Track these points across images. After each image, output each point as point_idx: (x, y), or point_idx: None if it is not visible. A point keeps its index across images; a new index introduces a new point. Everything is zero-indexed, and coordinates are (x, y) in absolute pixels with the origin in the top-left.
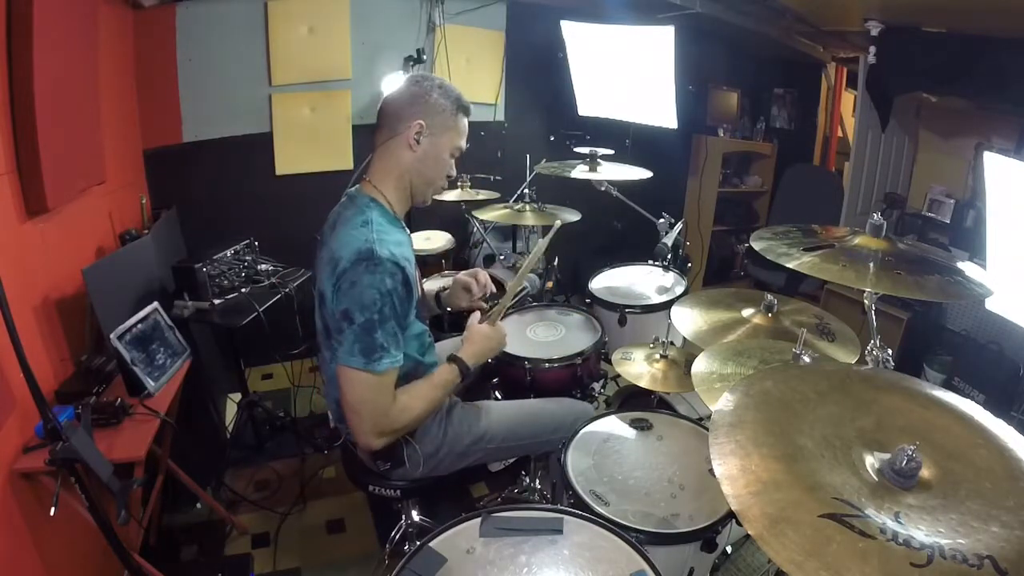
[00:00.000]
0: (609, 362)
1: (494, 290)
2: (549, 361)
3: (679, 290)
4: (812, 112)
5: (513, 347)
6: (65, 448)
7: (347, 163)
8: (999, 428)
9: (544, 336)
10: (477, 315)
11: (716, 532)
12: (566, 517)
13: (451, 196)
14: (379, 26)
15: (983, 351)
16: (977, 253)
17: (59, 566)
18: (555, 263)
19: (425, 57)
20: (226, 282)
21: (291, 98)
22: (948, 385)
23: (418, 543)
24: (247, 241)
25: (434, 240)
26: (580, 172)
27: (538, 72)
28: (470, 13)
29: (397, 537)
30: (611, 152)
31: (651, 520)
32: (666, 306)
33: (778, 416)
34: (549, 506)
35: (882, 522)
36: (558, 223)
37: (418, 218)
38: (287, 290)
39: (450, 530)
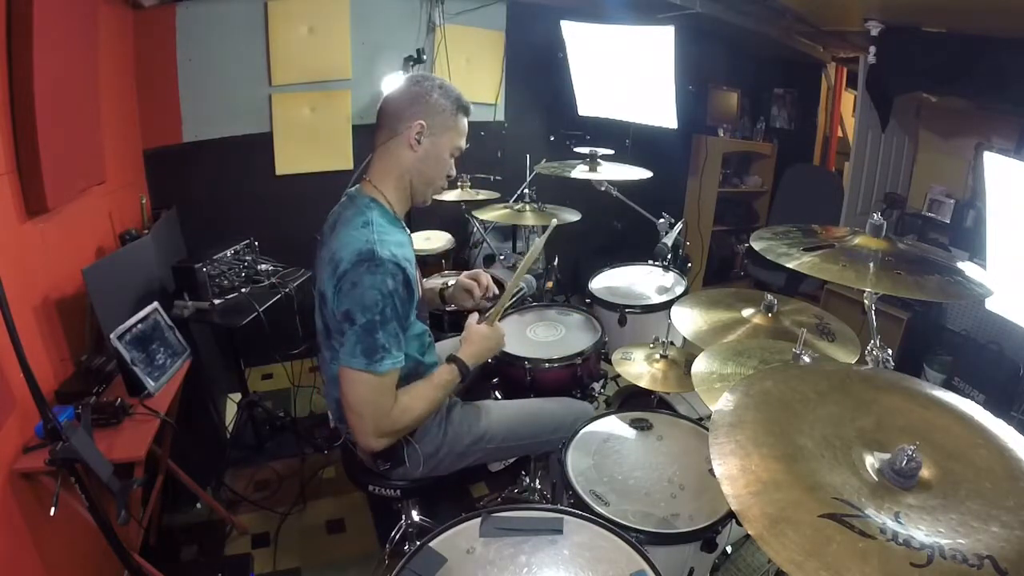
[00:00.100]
0: (609, 362)
1: (496, 292)
2: (549, 361)
3: (679, 290)
4: (812, 112)
5: (513, 347)
6: (65, 448)
7: (347, 163)
8: (999, 428)
9: (544, 336)
10: (475, 315)
11: (716, 532)
12: (566, 517)
13: (451, 196)
14: (379, 26)
15: (983, 351)
16: (977, 253)
17: (59, 566)
18: (555, 263)
19: (425, 57)
20: (226, 282)
21: (291, 98)
22: (948, 385)
23: (418, 543)
24: (247, 241)
25: (434, 240)
26: (580, 172)
27: (538, 72)
28: (470, 13)
29: (397, 537)
30: (611, 152)
31: (651, 520)
32: (666, 306)
33: (778, 416)
34: (549, 506)
35: (882, 522)
36: (554, 222)
37: (418, 218)
38: (287, 290)
39: (450, 530)
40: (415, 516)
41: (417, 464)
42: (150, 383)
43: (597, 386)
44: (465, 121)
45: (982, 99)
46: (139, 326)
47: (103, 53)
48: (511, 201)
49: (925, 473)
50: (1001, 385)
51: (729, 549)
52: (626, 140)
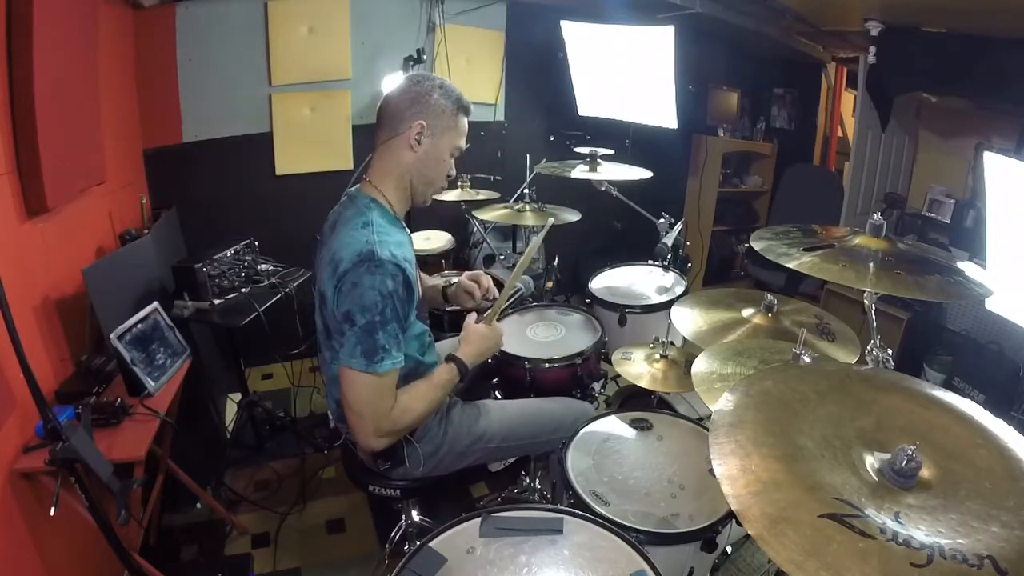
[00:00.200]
0: (609, 362)
1: (497, 295)
2: (549, 361)
3: (679, 290)
4: (812, 112)
5: (513, 347)
6: (65, 448)
7: (347, 163)
8: (999, 428)
9: (544, 336)
10: (473, 315)
11: (716, 532)
12: (566, 517)
13: (451, 196)
14: (379, 26)
15: (983, 351)
16: (977, 253)
17: (59, 566)
18: (555, 263)
19: (425, 57)
20: (226, 282)
21: (291, 98)
22: (948, 385)
23: (418, 543)
24: (247, 241)
25: (434, 240)
26: (580, 172)
27: (538, 72)
28: (470, 13)
29: (397, 537)
30: (611, 152)
31: (651, 520)
32: (666, 306)
33: (778, 416)
34: (549, 506)
35: (882, 522)
36: (550, 220)
37: (418, 218)
38: (287, 290)
39: (450, 530)
40: (415, 516)
41: (417, 464)
42: (150, 383)
43: (597, 386)
44: (465, 121)
45: (982, 99)
46: (139, 326)
47: (103, 53)
48: (511, 201)
49: (925, 473)
50: (1001, 385)
51: (729, 549)
52: (626, 140)
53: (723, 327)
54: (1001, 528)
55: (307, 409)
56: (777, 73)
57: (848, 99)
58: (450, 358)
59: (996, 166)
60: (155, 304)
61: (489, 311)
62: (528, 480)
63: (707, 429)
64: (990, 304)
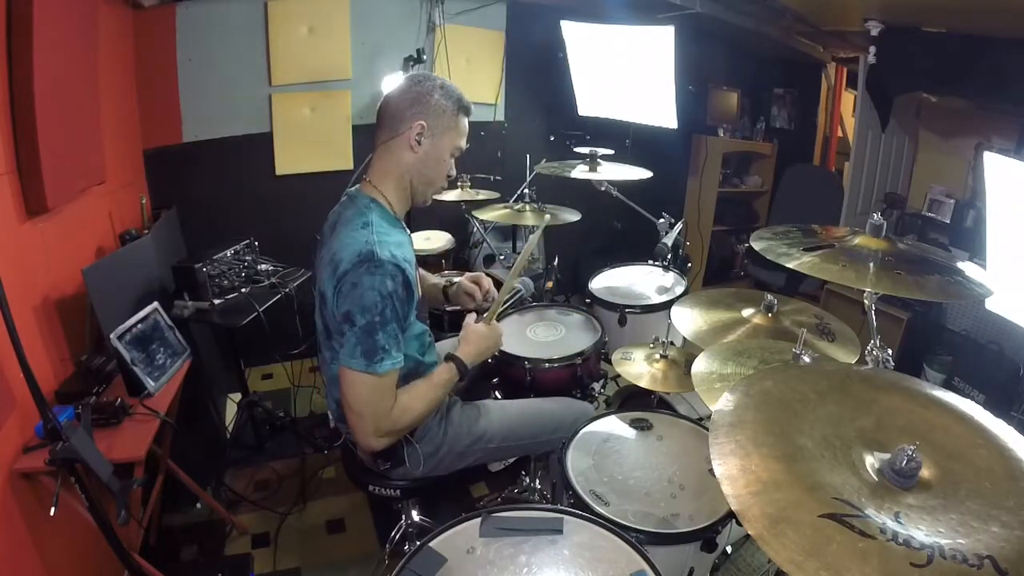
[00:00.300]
0: (609, 362)
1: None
2: (549, 361)
3: (679, 290)
4: (812, 112)
5: (513, 347)
6: (65, 448)
7: (347, 163)
8: (999, 428)
9: (544, 336)
10: (473, 315)
11: (716, 532)
12: (566, 517)
13: (451, 196)
14: (379, 26)
15: (983, 351)
16: (977, 253)
17: (59, 566)
18: (555, 263)
19: (425, 57)
20: (226, 282)
21: (291, 98)
22: (948, 385)
23: (418, 543)
24: (247, 241)
25: (434, 240)
26: (580, 172)
27: (538, 72)
28: (470, 13)
29: (397, 537)
30: (611, 152)
31: (651, 520)
32: (666, 306)
33: (778, 416)
34: (549, 506)
35: (882, 522)
36: (546, 218)
37: (418, 218)
38: (287, 290)
39: (450, 530)
40: (415, 516)
41: (417, 464)
42: (150, 383)
43: (597, 386)
44: (466, 121)
45: (982, 99)
46: (139, 326)
47: (103, 53)
48: (511, 201)
49: (925, 473)
50: (1001, 385)
51: (729, 549)
52: (626, 140)
53: (723, 327)
54: (1001, 528)
55: (307, 409)
56: (777, 73)
57: (848, 99)
58: (449, 357)
59: (996, 166)
60: (155, 304)
61: (488, 310)
62: (528, 480)
63: (707, 429)
64: (990, 304)
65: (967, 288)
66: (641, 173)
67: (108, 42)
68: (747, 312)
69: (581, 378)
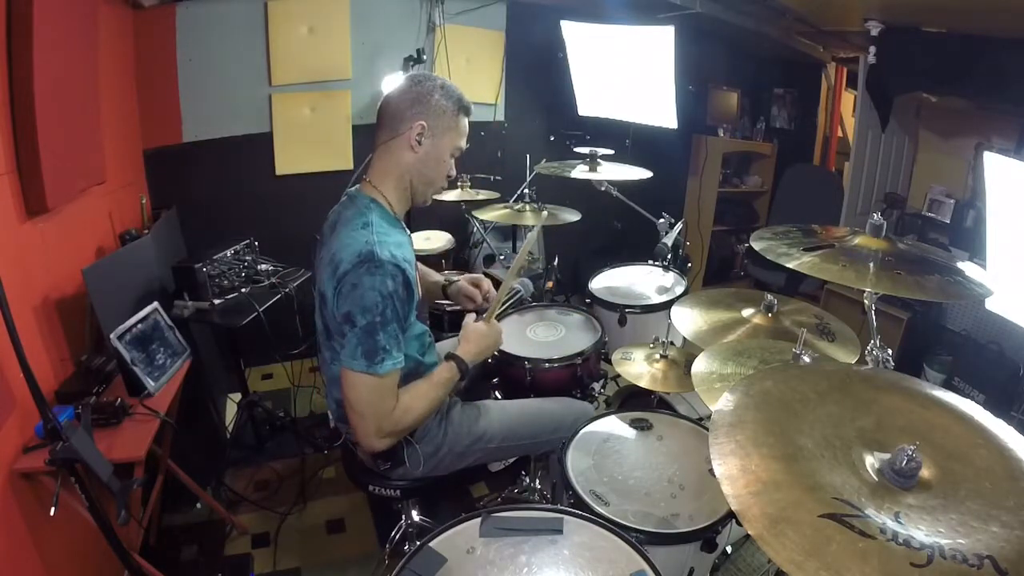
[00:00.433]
0: (609, 362)
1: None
2: (549, 361)
3: (679, 290)
4: (812, 112)
5: (513, 347)
6: (65, 448)
7: (347, 163)
8: (999, 428)
9: (544, 336)
10: (473, 315)
11: (716, 532)
12: (566, 517)
13: (451, 196)
14: (379, 26)
15: (983, 351)
16: (977, 253)
17: (59, 566)
18: (555, 263)
19: (425, 57)
20: (226, 282)
21: (291, 98)
22: (948, 385)
23: (418, 543)
24: (247, 241)
25: (434, 240)
26: (580, 172)
27: (538, 72)
28: (470, 13)
29: (397, 537)
30: (611, 152)
31: (651, 520)
32: (666, 306)
33: (778, 416)
34: (549, 506)
35: (882, 522)
36: (544, 216)
37: (418, 218)
38: (287, 290)
39: (450, 530)
40: (415, 516)
41: (417, 464)
42: (150, 383)
43: (597, 386)
44: (466, 122)
45: (982, 99)
46: (139, 326)
47: (103, 53)
48: (511, 201)
49: (925, 473)
50: (1001, 385)
51: (729, 549)
52: (626, 140)
53: (723, 327)
54: (1001, 528)
55: (307, 409)
56: (777, 73)
57: (848, 99)
58: (450, 356)
59: (996, 166)
60: (155, 304)
61: (488, 310)
62: (528, 480)
63: (707, 429)
64: (990, 304)
65: (967, 288)
66: (641, 173)
67: (108, 42)
68: (747, 312)
69: (581, 378)
